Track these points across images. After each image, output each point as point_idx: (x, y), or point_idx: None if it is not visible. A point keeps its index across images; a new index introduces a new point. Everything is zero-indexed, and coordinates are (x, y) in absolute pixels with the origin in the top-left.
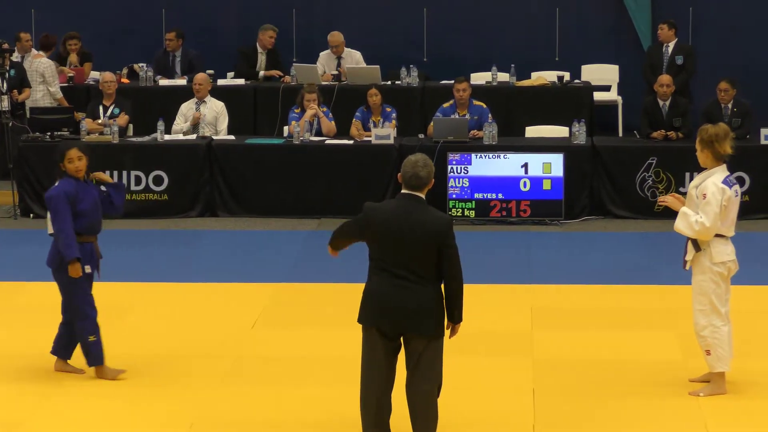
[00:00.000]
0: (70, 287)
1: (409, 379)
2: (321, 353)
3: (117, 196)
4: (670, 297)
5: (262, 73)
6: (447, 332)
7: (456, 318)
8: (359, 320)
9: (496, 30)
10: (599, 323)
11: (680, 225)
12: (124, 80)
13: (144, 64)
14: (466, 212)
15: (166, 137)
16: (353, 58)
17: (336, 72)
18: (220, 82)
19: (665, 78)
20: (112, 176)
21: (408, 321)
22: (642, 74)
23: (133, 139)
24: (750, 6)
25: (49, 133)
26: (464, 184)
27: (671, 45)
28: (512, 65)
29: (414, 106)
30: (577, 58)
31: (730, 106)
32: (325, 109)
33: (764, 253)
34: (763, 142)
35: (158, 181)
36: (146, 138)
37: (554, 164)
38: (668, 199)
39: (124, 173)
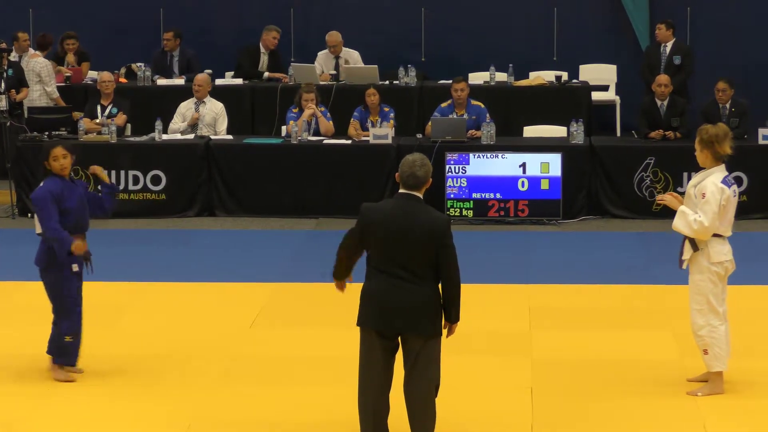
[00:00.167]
0: (56, 286)
1: (407, 379)
2: (319, 353)
3: (108, 199)
4: (668, 297)
5: (266, 74)
6: (444, 332)
7: (453, 317)
8: (358, 323)
9: (494, 30)
10: (597, 323)
11: (678, 224)
12: (122, 80)
13: (142, 64)
14: (464, 212)
15: (164, 137)
16: (351, 57)
17: (334, 72)
18: (218, 81)
19: (663, 78)
20: (110, 176)
21: (405, 321)
22: (640, 74)
23: (131, 139)
24: (748, 6)
25: (47, 133)
26: (462, 184)
27: (669, 45)
28: (510, 65)
29: (412, 105)
30: (575, 57)
31: (728, 105)
32: (323, 108)
33: (762, 253)
34: (761, 141)
35: (156, 180)
36: (144, 138)
37: (552, 164)
38: (667, 198)
39: (122, 173)
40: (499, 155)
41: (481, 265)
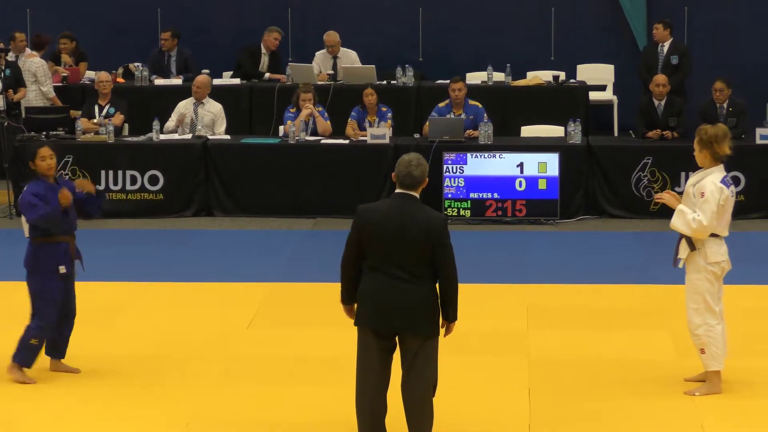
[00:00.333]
0: (38, 290)
1: (405, 379)
2: (317, 353)
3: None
4: (665, 296)
5: (267, 75)
6: (442, 331)
7: (451, 317)
8: (356, 323)
9: (491, 30)
10: (595, 323)
11: (677, 223)
12: (120, 80)
13: (139, 64)
14: (462, 212)
15: (162, 137)
16: (349, 57)
17: (332, 72)
18: (216, 81)
19: (661, 78)
20: (107, 176)
21: (403, 320)
22: (637, 74)
23: (129, 139)
24: (745, 5)
25: (44, 133)
26: (460, 184)
27: (666, 45)
28: (508, 65)
29: (409, 105)
30: (572, 57)
31: (725, 105)
32: (320, 108)
33: (759, 253)
34: (758, 141)
35: (154, 180)
36: (142, 138)
37: (550, 164)
38: (665, 197)
39: (120, 173)
40: (497, 155)
41: (479, 265)
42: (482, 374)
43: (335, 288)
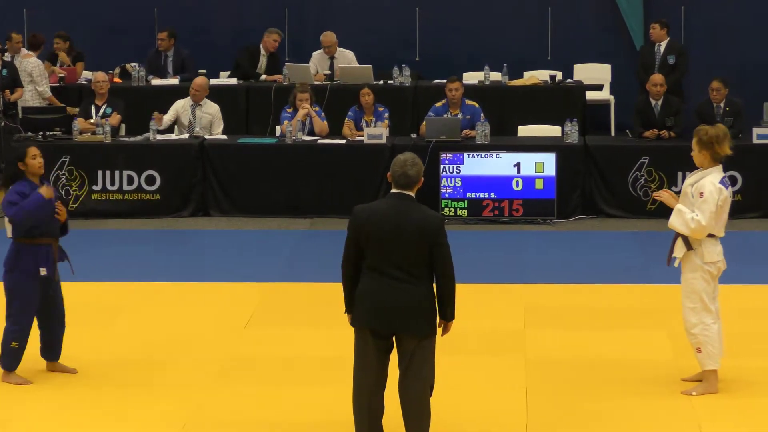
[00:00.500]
0: (14, 288)
1: (402, 379)
2: (314, 353)
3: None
4: (662, 296)
5: (263, 76)
6: (439, 330)
7: (448, 316)
8: (353, 323)
9: (488, 29)
10: (592, 322)
11: (675, 222)
12: (117, 80)
13: (136, 64)
14: (459, 212)
15: (159, 137)
16: (346, 57)
17: (328, 72)
18: (213, 81)
19: (657, 77)
20: (104, 176)
21: (400, 320)
22: (635, 74)
23: (126, 139)
24: (742, 5)
25: (41, 133)
26: (456, 184)
27: (663, 44)
28: (504, 65)
29: (406, 105)
30: (569, 57)
31: (722, 105)
32: (317, 108)
33: (756, 252)
34: (755, 141)
35: (150, 180)
36: (138, 138)
37: (547, 163)
38: (664, 195)
39: (117, 173)
40: (494, 155)
41: (476, 265)
42: (479, 374)
43: (333, 288)
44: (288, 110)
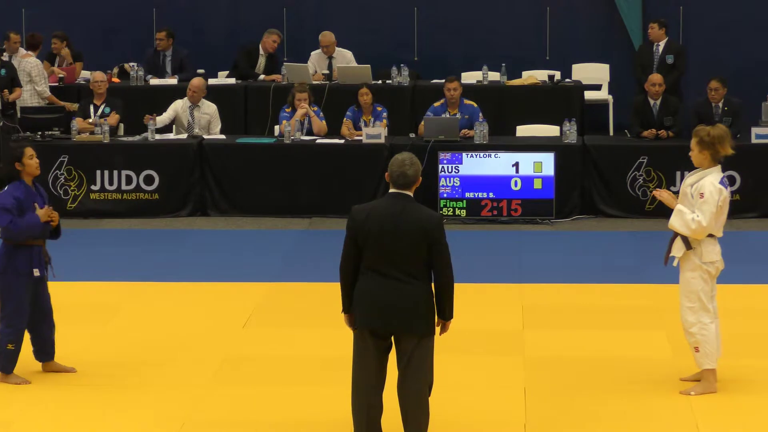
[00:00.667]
0: (7, 293)
1: (400, 378)
2: (312, 353)
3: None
4: (660, 296)
5: (261, 76)
6: (437, 329)
7: (447, 315)
8: (351, 324)
9: (486, 29)
10: (590, 322)
11: (675, 222)
12: (115, 80)
13: (135, 64)
14: (457, 211)
15: (157, 137)
16: (344, 57)
17: (327, 71)
18: (211, 81)
19: (656, 77)
20: (103, 175)
21: (399, 320)
22: (633, 73)
23: (124, 139)
24: (740, 5)
25: (39, 133)
26: (455, 184)
27: (662, 44)
28: (503, 64)
29: (405, 105)
30: (567, 57)
31: (720, 104)
32: (316, 108)
33: (754, 252)
34: (753, 141)
35: (149, 180)
36: (137, 137)
37: (545, 163)
38: (664, 195)
39: (115, 172)
40: (492, 155)
41: (474, 265)
42: (478, 373)
43: (331, 288)
44: (286, 110)
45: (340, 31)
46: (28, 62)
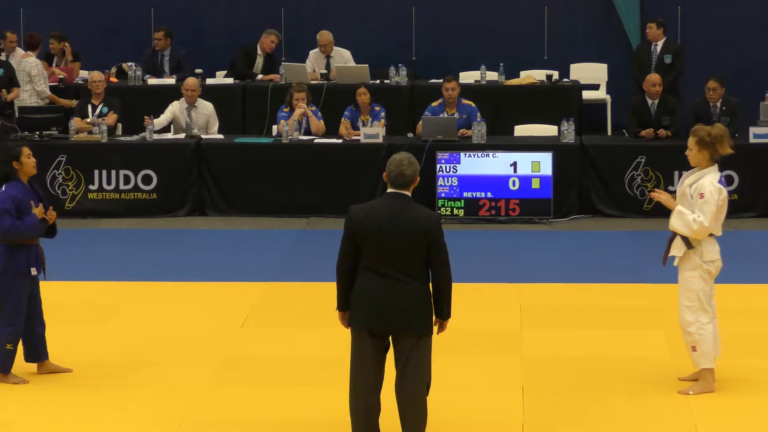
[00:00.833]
0: (6, 290)
1: (398, 378)
2: (311, 352)
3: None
4: (658, 295)
5: (259, 76)
6: (435, 329)
7: (444, 314)
8: (350, 323)
9: (484, 29)
10: (588, 322)
11: (676, 223)
12: (113, 79)
13: (133, 64)
14: (455, 211)
15: (155, 136)
16: (342, 57)
17: (325, 71)
18: (209, 81)
19: (654, 77)
20: (100, 175)
21: (397, 320)
22: (631, 73)
23: (122, 139)
24: (739, 5)
25: (38, 133)
26: (453, 183)
27: (660, 44)
28: (501, 64)
29: (403, 105)
30: (565, 56)
31: (718, 104)
32: (314, 108)
33: (752, 252)
34: (751, 140)
35: (147, 180)
36: (135, 137)
37: (543, 163)
38: (663, 197)
39: (113, 172)
40: (490, 154)
41: (472, 265)
42: (476, 373)
43: (329, 287)
44: (284, 110)
45: (338, 31)
46: (27, 62)
